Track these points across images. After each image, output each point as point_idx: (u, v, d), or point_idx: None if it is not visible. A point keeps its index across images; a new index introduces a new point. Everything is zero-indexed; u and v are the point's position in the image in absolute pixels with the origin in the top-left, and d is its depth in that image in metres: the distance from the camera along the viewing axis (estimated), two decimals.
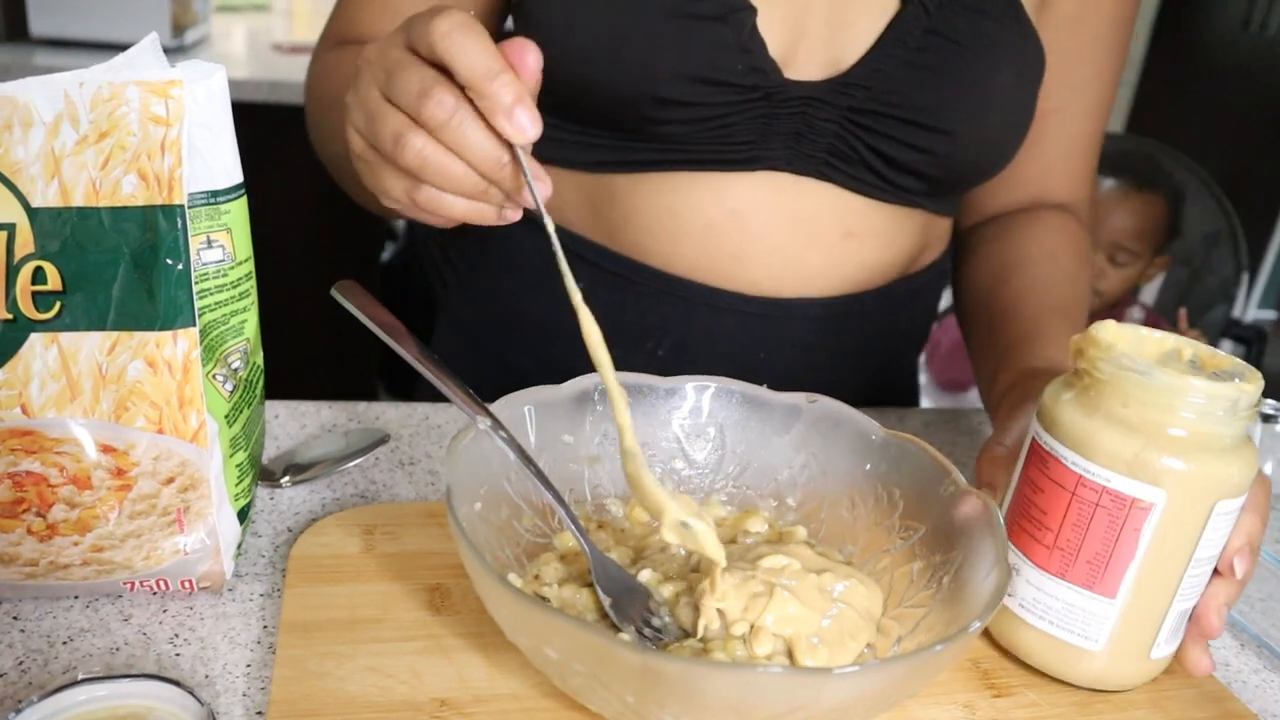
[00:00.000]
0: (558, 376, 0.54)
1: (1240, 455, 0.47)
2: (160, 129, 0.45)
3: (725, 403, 0.56)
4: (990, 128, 0.69)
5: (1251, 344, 1.57)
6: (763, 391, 0.56)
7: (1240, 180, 2.05)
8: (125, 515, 0.47)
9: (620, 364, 0.47)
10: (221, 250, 0.50)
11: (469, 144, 0.44)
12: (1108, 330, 0.50)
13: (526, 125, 0.43)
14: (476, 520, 0.47)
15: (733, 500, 0.57)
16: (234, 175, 0.50)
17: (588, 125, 0.68)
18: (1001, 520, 0.46)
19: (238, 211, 0.50)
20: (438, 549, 0.54)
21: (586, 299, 0.46)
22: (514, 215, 0.49)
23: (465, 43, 0.43)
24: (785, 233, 0.69)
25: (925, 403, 1.66)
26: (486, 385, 0.75)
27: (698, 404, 0.56)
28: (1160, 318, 1.58)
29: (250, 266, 0.52)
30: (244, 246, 0.51)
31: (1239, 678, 0.56)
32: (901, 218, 0.72)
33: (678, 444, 0.57)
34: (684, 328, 0.72)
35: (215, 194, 0.49)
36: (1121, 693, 0.51)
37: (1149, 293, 1.70)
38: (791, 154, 0.67)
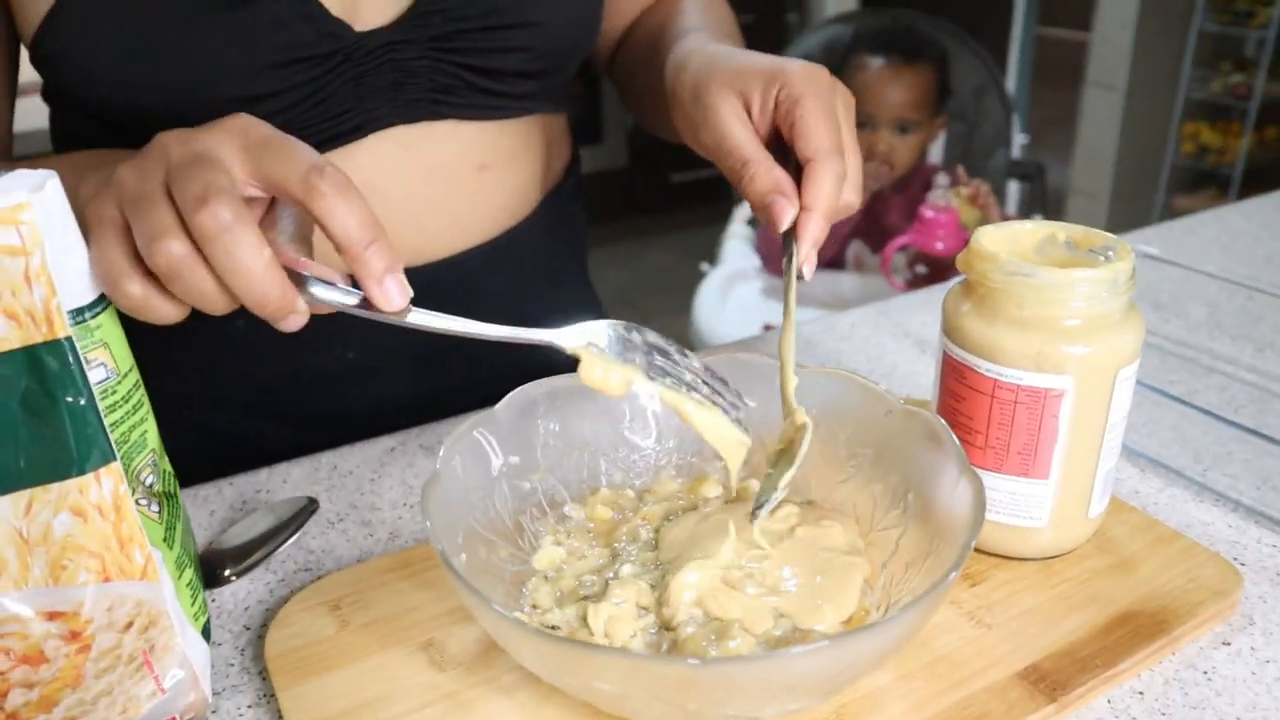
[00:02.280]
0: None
1: (1130, 323, 0.51)
2: (19, 260, 0.40)
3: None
4: (572, 2, 0.70)
5: (1034, 178, 1.70)
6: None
7: (973, 22, 2.17)
8: (91, 677, 0.44)
9: (313, 376, 0.45)
10: (104, 368, 0.46)
11: (238, 269, 0.40)
12: (989, 238, 0.53)
13: (395, 295, 0.43)
14: (471, 574, 0.46)
15: (681, 472, 0.58)
16: (95, 286, 0.45)
17: None
18: (949, 430, 0.49)
19: (109, 323, 0.46)
20: (414, 604, 0.53)
21: None
22: (296, 324, 0.44)
23: (344, 206, 0.41)
24: (422, 188, 0.68)
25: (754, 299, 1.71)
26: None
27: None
28: (958, 176, 1.68)
29: (136, 374, 0.48)
30: (124, 357, 0.47)
31: (1150, 500, 0.62)
32: (524, 130, 0.73)
33: (617, 433, 0.57)
34: (361, 323, 0.66)
35: (81, 311, 0.45)
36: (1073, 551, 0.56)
37: (935, 153, 1.80)
38: (396, 106, 0.66)
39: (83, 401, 0.42)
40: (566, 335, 0.48)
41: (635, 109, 0.86)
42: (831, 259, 1.67)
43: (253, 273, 0.40)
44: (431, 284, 0.71)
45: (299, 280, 0.42)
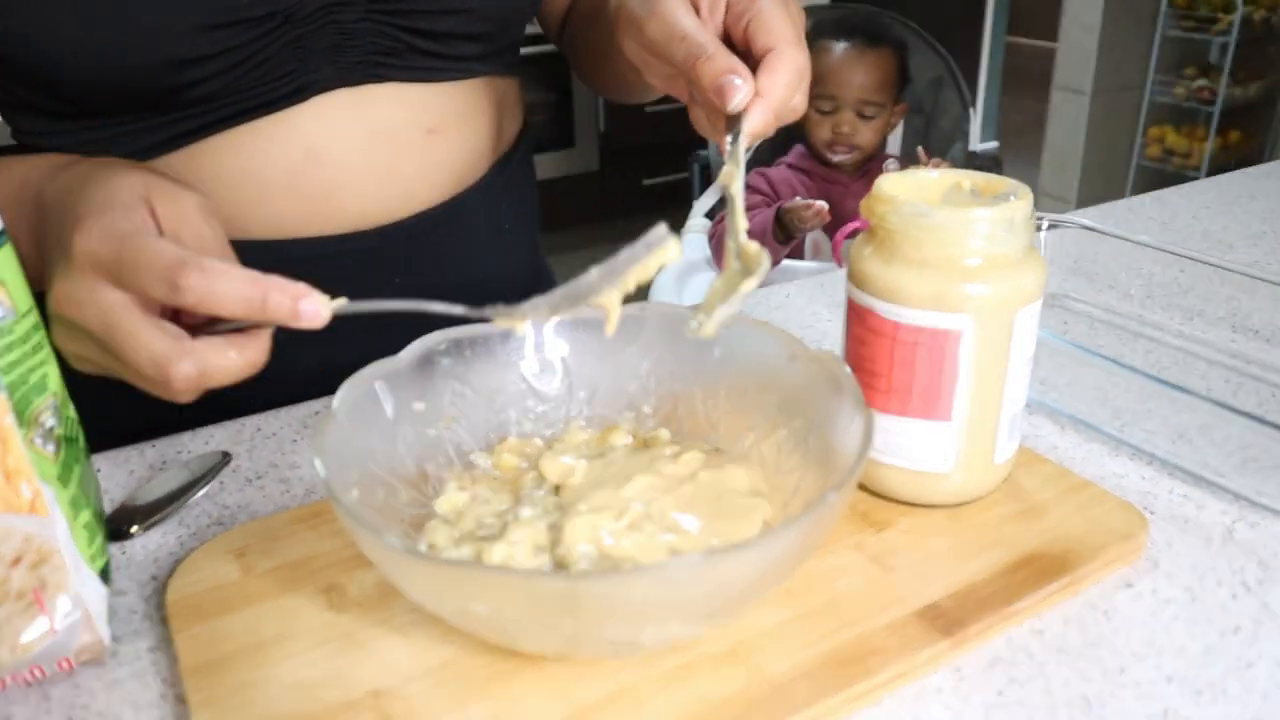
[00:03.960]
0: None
1: (1030, 264, 0.52)
2: None
3: (563, 331, 0.57)
4: None
5: (990, 171, 1.71)
6: (596, 313, 0.57)
7: (944, 32, 2.20)
8: None
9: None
10: (1, 307, 0.46)
11: (231, 380, 0.46)
12: (889, 183, 0.53)
13: (314, 314, 0.44)
14: (360, 508, 0.46)
15: (591, 423, 0.58)
16: None
17: (114, 116, 0.64)
18: (849, 372, 0.49)
19: (6, 261, 0.46)
20: (318, 551, 0.52)
21: None
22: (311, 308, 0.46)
23: (217, 293, 0.43)
24: (368, 151, 0.68)
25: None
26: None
27: (537, 339, 0.57)
28: (920, 155, 1.70)
29: (36, 316, 0.48)
30: (23, 297, 0.47)
31: (1067, 455, 0.62)
32: (471, 94, 0.73)
33: (525, 384, 0.57)
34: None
35: None
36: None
37: (894, 144, 1.82)
38: (338, 69, 0.65)
39: None
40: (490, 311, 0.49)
41: (585, 70, 0.87)
42: (791, 250, 1.68)
43: (241, 374, 0.45)
44: (378, 249, 0.71)
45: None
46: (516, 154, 0.81)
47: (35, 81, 0.63)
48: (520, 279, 0.84)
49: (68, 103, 0.64)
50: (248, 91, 0.63)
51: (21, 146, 0.68)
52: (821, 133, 1.69)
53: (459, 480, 0.53)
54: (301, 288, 0.44)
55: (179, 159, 0.65)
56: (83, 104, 0.63)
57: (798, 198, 1.61)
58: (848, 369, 0.50)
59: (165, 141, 0.64)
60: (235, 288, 0.43)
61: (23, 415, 0.46)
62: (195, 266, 0.43)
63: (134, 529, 0.55)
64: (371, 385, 0.50)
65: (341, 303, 0.46)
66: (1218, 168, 3.30)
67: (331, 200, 0.68)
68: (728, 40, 0.53)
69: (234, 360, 0.45)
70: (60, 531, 0.45)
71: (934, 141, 1.81)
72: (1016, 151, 4.11)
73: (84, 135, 0.65)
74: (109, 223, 0.46)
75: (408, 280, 0.73)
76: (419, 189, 0.72)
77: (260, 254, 0.61)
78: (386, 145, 0.69)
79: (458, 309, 0.47)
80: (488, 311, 0.48)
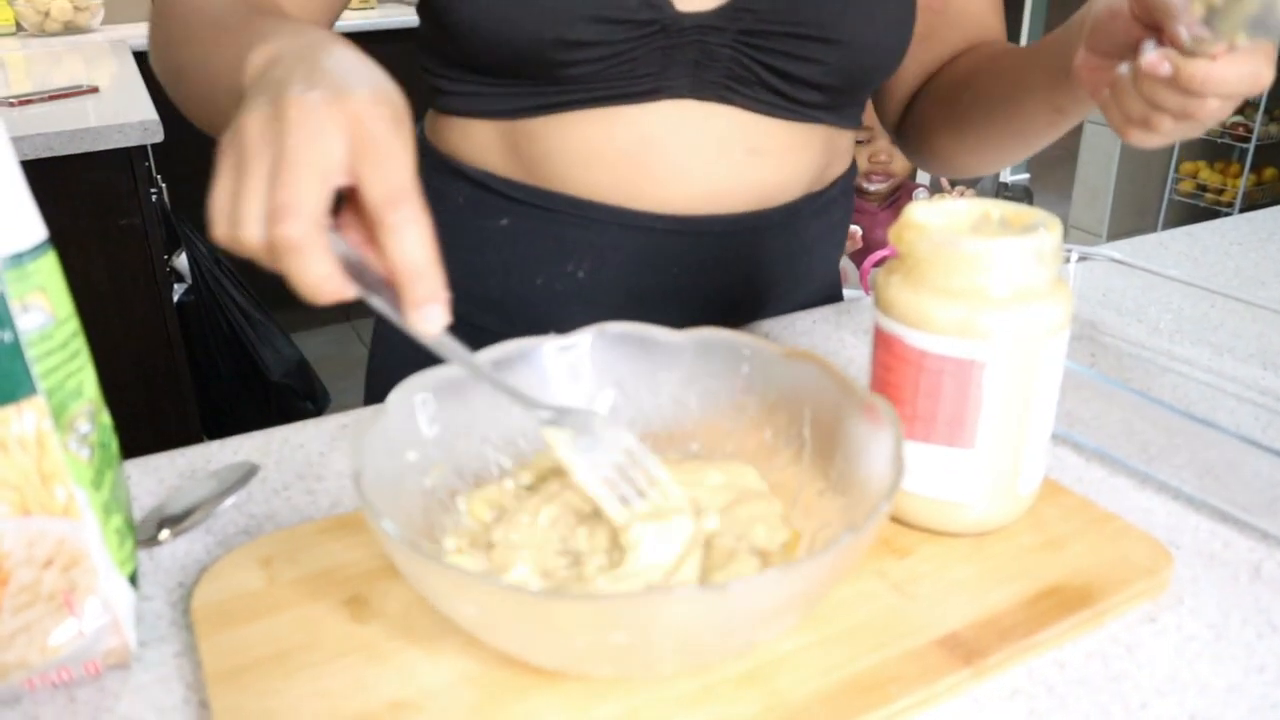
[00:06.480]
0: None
1: (1056, 295, 0.52)
2: None
3: (614, 350, 0.58)
4: (878, 30, 0.74)
5: (1020, 201, 1.72)
6: (649, 330, 0.57)
7: None
8: (8, 612, 0.44)
9: (543, 288, 0.66)
10: (41, 313, 0.47)
11: (296, 277, 0.43)
12: (919, 211, 0.54)
13: (435, 320, 0.44)
14: (392, 512, 0.46)
15: None
16: (36, 232, 0.46)
17: (501, 77, 0.73)
18: (891, 409, 0.49)
19: (49, 269, 0.47)
20: (342, 562, 0.53)
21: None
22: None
23: (408, 234, 0.43)
24: (693, 154, 0.74)
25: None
26: None
27: (589, 355, 0.57)
28: (943, 185, 1.70)
29: (76, 324, 0.49)
30: (64, 304, 0.48)
31: (1093, 488, 0.62)
32: (804, 134, 0.78)
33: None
34: (602, 250, 0.77)
35: (18, 256, 0.46)
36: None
37: (923, 174, 1.82)
38: (693, 81, 0.72)
39: (7, 337, 0.43)
40: (550, 413, 0.50)
41: (939, 146, 0.88)
42: None
43: (309, 284, 0.43)
44: (676, 234, 0.76)
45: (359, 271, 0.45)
46: (832, 190, 0.85)
47: (456, 41, 0.71)
48: (809, 294, 0.88)
49: (471, 58, 0.73)
50: (612, 82, 0.71)
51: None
52: (858, 163, 1.70)
53: (490, 491, 0.54)
54: (445, 297, 0.45)
55: (540, 123, 0.74)
56: (481, 62, 0.73)
57: None
58: (888, 404, 0.50)
59: (536, 107, 0.73)
60: (417, 249, 0.43)
61: (59, 420, 0.47)
62: (419, 204, 0.44)
63: (162, 536, 0.56)
64: (412, 395, 0.50)
65: (445, 337, 0.46)
66: (1251, 204, 3.27)
67: (644, 185, 0.75)
68: None
69: (325, 266, 0.43)
70: (92, 535, 0.46)
71: None
72: (1047, 184, 4.09)
73: (478, 87, 0.75)
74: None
75: (675, 272, 0.78)
76: (723, 197, 0.76)
77: (569, 205, 0.75)
78: (709, 154, 0.74)
79: (539, 409, 0.49)
80: (545, 419, 0.50)
